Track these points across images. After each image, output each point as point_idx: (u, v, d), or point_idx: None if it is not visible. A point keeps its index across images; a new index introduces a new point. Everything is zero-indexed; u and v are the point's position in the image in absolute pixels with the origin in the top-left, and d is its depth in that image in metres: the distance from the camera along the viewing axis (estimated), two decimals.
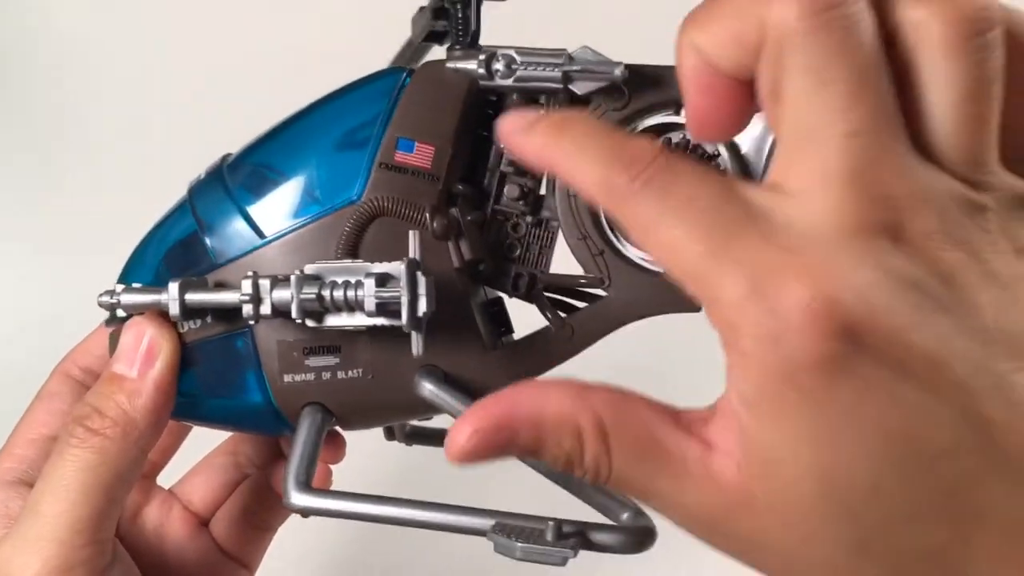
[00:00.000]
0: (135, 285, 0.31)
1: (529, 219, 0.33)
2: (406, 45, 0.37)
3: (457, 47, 0.33)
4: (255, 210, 0.32)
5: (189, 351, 0.32)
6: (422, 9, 0.35)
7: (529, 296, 0.33)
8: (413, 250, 0.29)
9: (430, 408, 0.33)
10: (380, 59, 0.38)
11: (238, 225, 0.32)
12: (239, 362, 0.32)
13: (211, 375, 0.32)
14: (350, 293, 0.29)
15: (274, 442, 0.40)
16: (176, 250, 0.33)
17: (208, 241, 0.32)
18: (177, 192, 0.35)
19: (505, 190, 0.33)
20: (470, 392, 0.32)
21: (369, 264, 0.29)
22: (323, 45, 0.94)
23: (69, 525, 0.30)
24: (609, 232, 0.32)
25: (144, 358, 0.31)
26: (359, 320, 0.29)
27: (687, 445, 0.21)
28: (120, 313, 0.32)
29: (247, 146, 0.34)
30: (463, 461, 0.23)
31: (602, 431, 0.22)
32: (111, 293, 0.31)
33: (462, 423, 0.23)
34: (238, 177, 0.33)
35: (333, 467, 0.40)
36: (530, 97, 0.32)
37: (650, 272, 0.31)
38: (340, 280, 0.29)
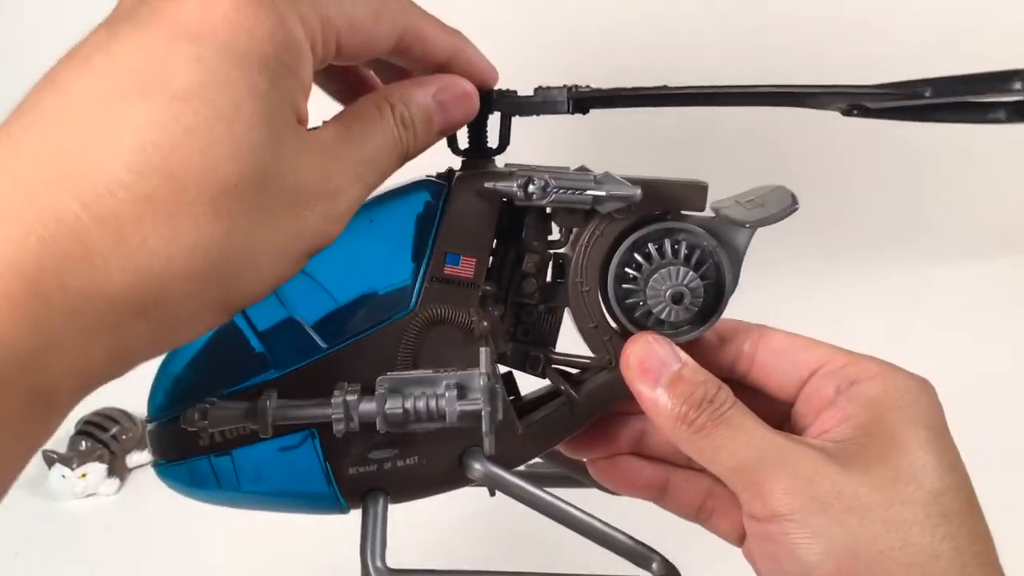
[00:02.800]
0: (218, 402, 0.32)
1: (542, 308, 0.38)
2: None
3: (472, 157, 0.37)
4: (312, 321, 0.34)
5: (254, 449, 0.34)
6: None
7: (543, 373, 0.39)
8: (485, 364, 0.33)
9: (469, 482, 0.37)
10: None
11: (297, 337, 0.34)
12: (306, 458, 0.35)
13: (278, 469, 0.35)
14: (431, 404, 0.32)
15: None
16: (222, 354, 0.34)
17: (264, 350, 0.34)
18: None
19: (523, 284, 0.37)
20: (506, 465, 0.36)
21: (443, 374, 0.33)
22: None
23: None
24: (612, 322, 0.38)
25: None
26: (436, 426, 0.33)
27: None
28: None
29: None
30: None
31: None
32: (201, 412, 0.32)
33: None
34: (289, 289, 0.34)
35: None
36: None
37: None
38: (419, 391, 0.33)
